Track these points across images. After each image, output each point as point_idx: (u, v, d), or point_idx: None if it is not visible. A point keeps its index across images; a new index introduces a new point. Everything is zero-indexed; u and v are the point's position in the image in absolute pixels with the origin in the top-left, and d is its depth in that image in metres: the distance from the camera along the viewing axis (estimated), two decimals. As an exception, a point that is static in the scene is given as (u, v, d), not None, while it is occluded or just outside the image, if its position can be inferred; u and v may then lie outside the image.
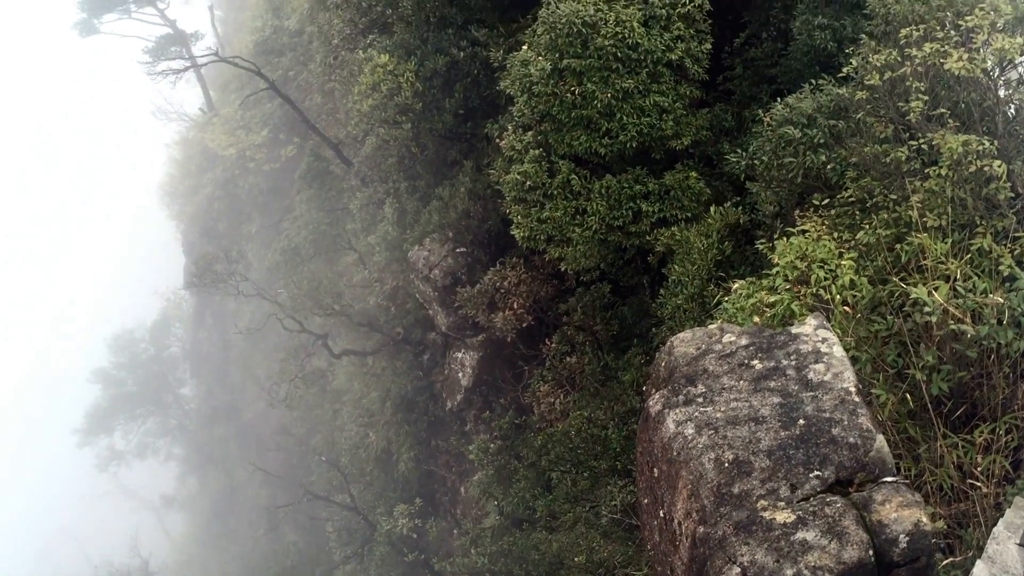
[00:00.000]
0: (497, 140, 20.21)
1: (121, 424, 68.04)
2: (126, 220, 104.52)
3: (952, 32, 8.88)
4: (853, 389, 5.60)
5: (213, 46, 44.59)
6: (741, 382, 5.90)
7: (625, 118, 16.16)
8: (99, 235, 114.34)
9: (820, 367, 5.80)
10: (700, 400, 5.87)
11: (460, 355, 24.79)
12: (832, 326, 8.40)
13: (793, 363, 5.93)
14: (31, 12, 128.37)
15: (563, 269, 18.60)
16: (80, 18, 41.25)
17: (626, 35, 15.84)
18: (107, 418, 67.61)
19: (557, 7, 16.01)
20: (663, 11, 16.39)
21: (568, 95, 16.31)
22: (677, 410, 5.87)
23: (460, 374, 24.74)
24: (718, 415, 5.72)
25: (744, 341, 6.23)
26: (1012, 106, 8.85)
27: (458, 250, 23.92)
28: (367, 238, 29.54)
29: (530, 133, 17.92)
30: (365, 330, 28.91)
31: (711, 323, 10.81)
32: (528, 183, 17.41)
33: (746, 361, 6.05)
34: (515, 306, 20.84)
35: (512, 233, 18.30)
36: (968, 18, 8.75)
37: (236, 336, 41.56)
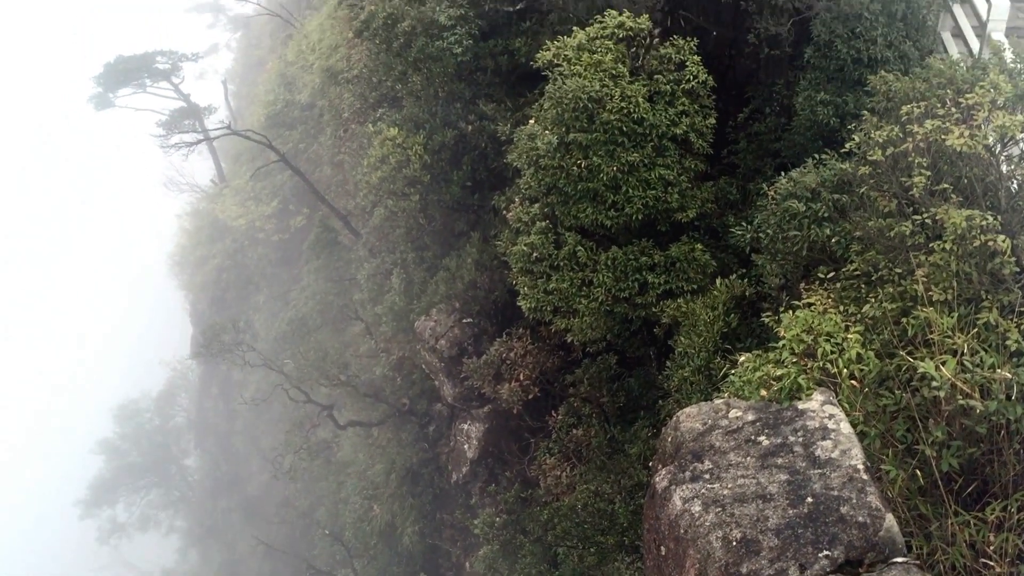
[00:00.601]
0: (504, 212, 20.38)
1: (124, 496, 67.38)
2: (135, 290, 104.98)
3: (953, 109, 9.00)
4: (861, 467, 5.53)
5: (226, 119, 45.30)
6: (748, 459, 5.83)
7: (631, 191, 16.32)
8: (107, 304, 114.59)
9: (828, 444, 5.74)
10: (707, 477, 5.80)
11: (466, 426, 24.62)
12: (840, 400, 8.34)
13: (800, 440, 5.87)
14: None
15: (569, 340, 18.58)
16: (95, 92, 42.04)
17: (631, 110, 16.08)
18: (110, 489, 67.00)
19: (564, 83, 16.27)
20: (668, 87, 16.66)
21: (574, 168, 16.49)
22: (684, 487, 5.80)
23: (466, 446, 24.54)
24: (725, 492, 5.64)
25: (751, 417, 6.18)
26: (1015, 181, 8.92)
27: (465, 320, 23.93)
28: (374, 308, 29.61)
29: (537, 205, 18.08)
30: (371, 401, 28.78)
31: (718, 396, 10.75)
32: (535, 254, 17.51)
33: (753, 437, 5.99)
34: (521, 377, 20.77)
35: (519, 304, 18.34)
36: (968, 96, 8.87)
37: (241, 407, 41.41)
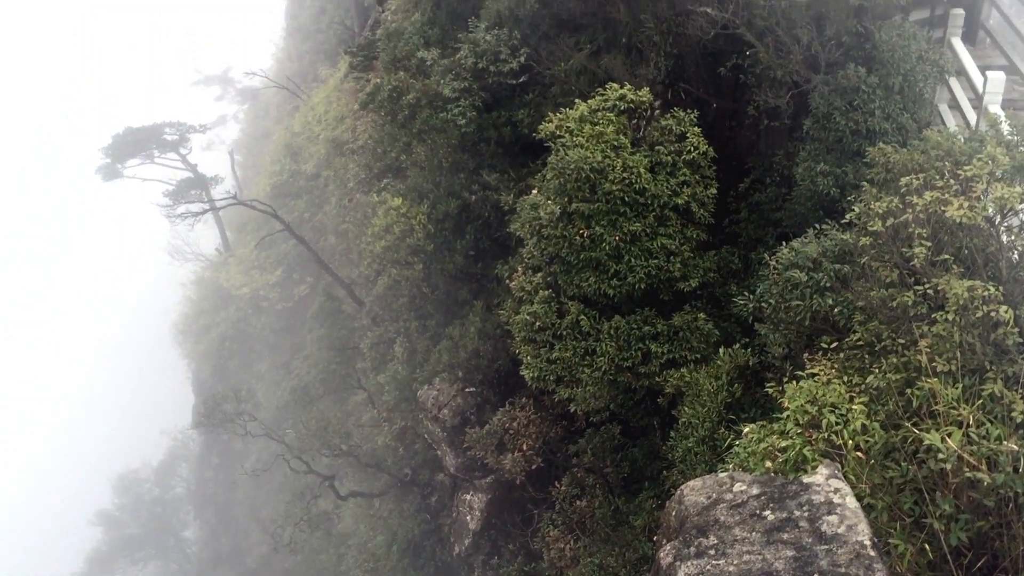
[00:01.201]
0: (507, 281, 20.45)
1: (121, 568, 66.32)
2: (139, 360, 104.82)
3: (951, 181, 9.07)
4: (868, 542, 5.44)
5: (232, 189, 45.80)
6: (753, 533, 5.75)
7: (633, 260, 16.39)
8: (108, 376, 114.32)
9: (834, 519, 5.66)
10: (712, 552, 5.71)
11: (468, 497, 24.33)
12: (845, 473, 8.25)
13: (806, 514, 5.79)
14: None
15: (572, 410, 18.46)
16: (103, 163, 42.63)
17: (633, 180, 16.23)
18: (107, 562, 65.98)
19: (566, 153, 16.46)
20: (669, 158, 16.85)
21: (577, 237, 16.58)
22: (688, 563, 5.71)
23: (468, 517, 24.21)
24: (731, 569, 5.55)
25: (755, 490, 6.11)
26: (1015, 252, 8.95)
27: (467, 390, 23.83)
28: (377, 377, 29.51)
29: (540, 274, 18.15)
30: (372, 471, 28.50)
31: (722, 468, 10.63)
32: (538, 324, 17.50)
33: (758, 512, 5.91)
34: (524, 447, 20.59)
35: (521, 373, 18.27)
36: (966, 168, 8.96)
37: (242, 477, 41.01)
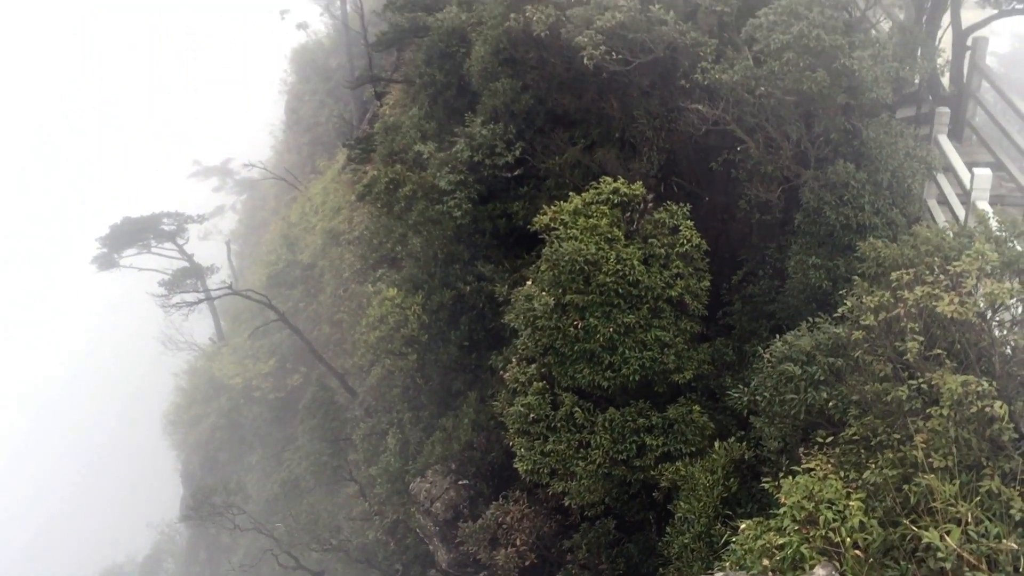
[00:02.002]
0: (501, 372, 20.38)
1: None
2: (126, 450, 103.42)
3: (942, 276, 9.15)
4: (868, 646, 5.34)
5: (228, 279, 45.96)
6: (751, 636, 5.63)
7: (627, 352, 16.37)
8: (96, 469, 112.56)
9: (832, 620, 5.55)
10: (708, 655, 5.59)
11: (461, 594, 23.76)
12: (844, 572, 8.10)
13: (804, 616, 5.68)
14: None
15: (567, 503, 18.19)
16: (100, 253, 42.89)
17: (627, 272, 16.34)
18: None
19: (560, 246, 16.60)
20: (662, 250, 17.00)
21: (571, 329, 16.61)
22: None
23: (460, 615, 23.60)
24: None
25: (752, 590, 6.01)
26: (1008, 347, 8.97)
27: (460, 482, 23.49)
28: (368, 470, 29.14)
29: (534, 366, 18.10)
30: (363, 567, 27.89)
31: (719, 566, 10.43)
32: (531, 415, 17.39)
33: (755, 613, 5.80)
34: (518, 543, 20.20)
35: (515, 466, 18.05)
36: (956, 263, 9.05)
37: (229, 573, 40.08)
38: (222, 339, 52.98)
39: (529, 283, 18.05)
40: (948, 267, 9.24)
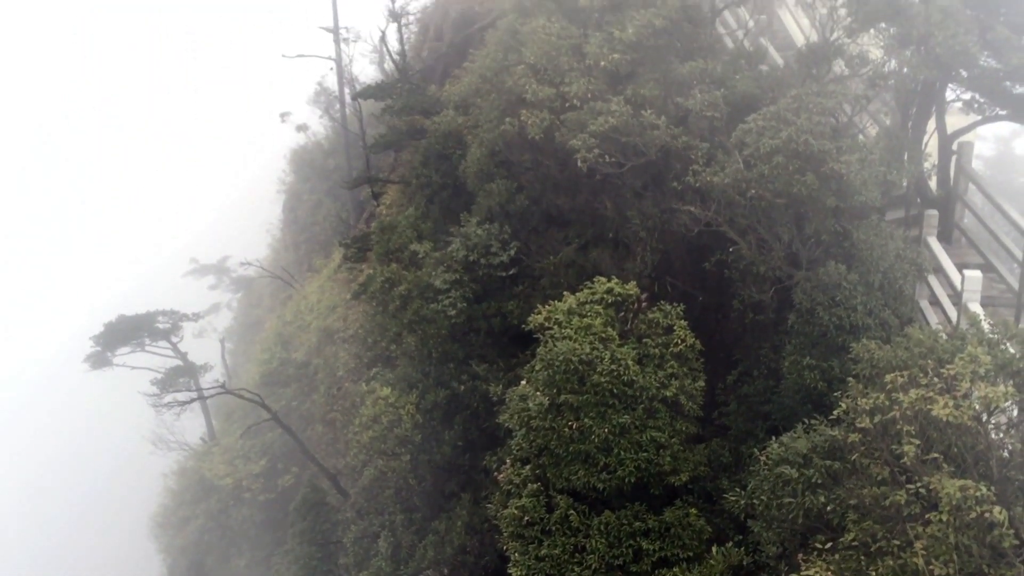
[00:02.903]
0: (495, 473, 20.10)
1: None
2: (113, 555, 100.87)
3: (935, 379, 9.14)
4: None
5: (221, 377, 45.68)
6: None
7: (623, 453, 16.19)
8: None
9: None
10: None
11: None
12: None
13: None
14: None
15: (562, 611, 17.70)
16: (93, 351, 42.73)
17: (621, 372, 16.28)
18: None
19: (555, 345, 16.59)
20: (657, 351, 16.99)
21: (566, 430, 16.46)
22: None
23: None
24: None
25: None
26: (1005, 450, 8.89)
27: (454, 588, 22.93)
28: (359, 574, 28.43)
29: (528, 467, 17.86)
30: (352, 676, 26.97)
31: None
32: (526, 518, 17.07)
33: None
34: (512, 651, 19.59)
35: (509, 571, 17.63)
36: (950, 366, 9.05)
37: None
38: (213, 438, 52.32)
39: (523, 383, 17.96)
40: (942, 370, 9.24)
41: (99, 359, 43.40)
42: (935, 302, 16.24)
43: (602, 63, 20.01)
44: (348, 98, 46.30)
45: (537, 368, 17.06)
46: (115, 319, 44.92)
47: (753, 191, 15.59)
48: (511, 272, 22.60)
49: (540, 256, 22.08)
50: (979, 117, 18.18)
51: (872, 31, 17.91)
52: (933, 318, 16.01)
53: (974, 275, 14.31)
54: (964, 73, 17.49)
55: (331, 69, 47.86)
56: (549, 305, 17.78)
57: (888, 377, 9.51)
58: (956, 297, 14.87)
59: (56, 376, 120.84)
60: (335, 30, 44.96)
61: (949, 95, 18.71)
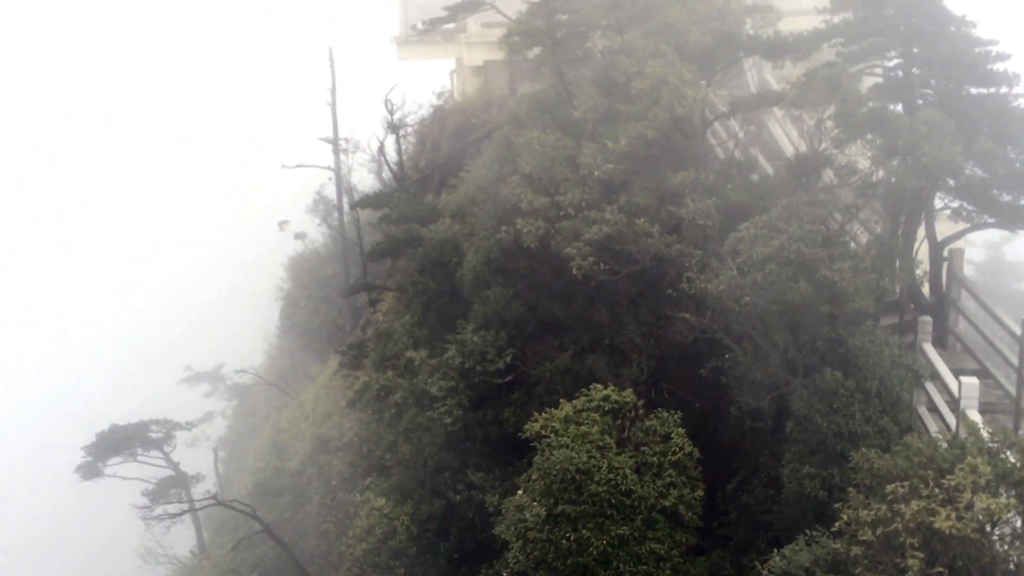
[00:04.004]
0: (492, 587, 19.61)
1: None
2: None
3: (937, 490, 9.02)
4: None
5: (213, 487, 44.87)
6: None
7: (622, 566, 15.84)
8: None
9: None
10: None
11: None
12: None
13: None
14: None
15: None
16: (84, 462, 42.10)
17: (619, 482, 16.07)
18: None
19: (551, 454, 16.41)
20: (655, 459, 16.80)
21: (563, 542, 16.13)
22: None
23: None
24: None
25: None
26: (1011, 563, 8.71)
27: None
28: None
29: (525, 581, 17.44)
30: None
31: None
32: (523, 636, 16.59)
33: None
34: None
35: None
36: (950, 477, 8.94)
37: None
38: (203, 551, 51.08)
39: (520, 492, 17.68)
40: (943, 480, 9.13)
41: (90, 470, 42.74)
42: (933, 409, 16.15)
43: (596, 173, 20.38)
44: (346, 206, 46.96)
45: (534, 477, 16.84)
46: (108, 428, 44.41)
47: (747, 298, 15.69)
48: (507, 379, 22.49)
49: (536, 363, 22.03)
50: (968, 225, 18.45)
51: (859, 142, 18.34)
52: (932, 425, 15.90)
53: (971, 382, 14.27)
54: (951, 182, 17.84)
55: (330, 179, 48.69)
56: (546, 413, 17.67)
57: (889, 488, 9.38)
58: (954, 404, 14.79)
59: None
60: (335, 141, 45.90)
61: (938, 203, 19.05)
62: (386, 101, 38.74)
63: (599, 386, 17.94)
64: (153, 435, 45.34)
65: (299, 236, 58.67)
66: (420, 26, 38.02)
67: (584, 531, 15.92)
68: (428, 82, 49.44)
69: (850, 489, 11.03)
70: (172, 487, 42.38)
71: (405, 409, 22.97)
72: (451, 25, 37.71)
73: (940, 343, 18.65)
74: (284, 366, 60.76)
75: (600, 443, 16.61)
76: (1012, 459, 9.90)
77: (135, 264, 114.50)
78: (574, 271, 18.70)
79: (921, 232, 19.25)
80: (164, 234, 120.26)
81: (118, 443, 43.27)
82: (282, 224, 54.02)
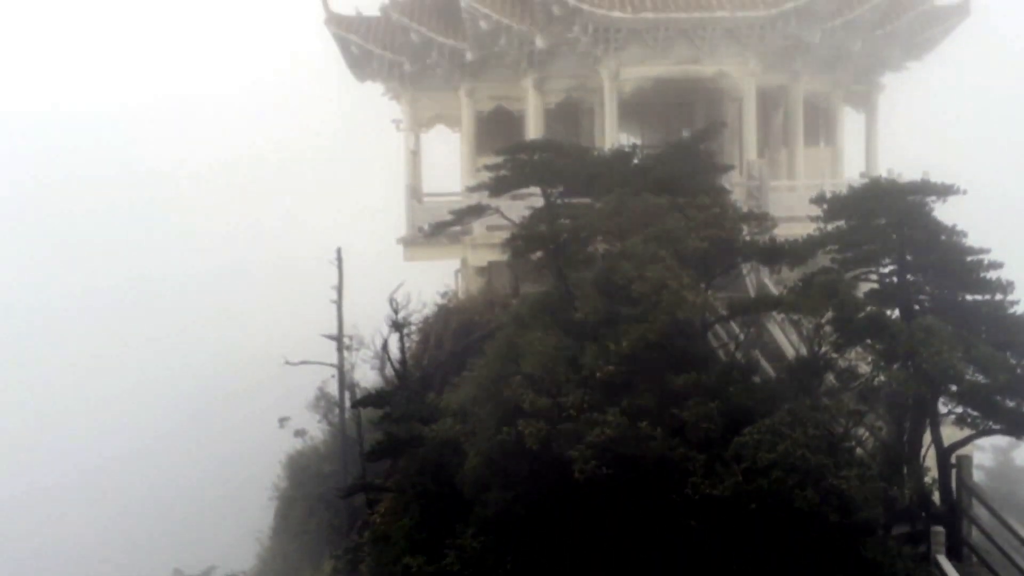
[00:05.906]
0: None
1: None
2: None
3: None
4: None
5: None
6: None
7: None
8: None
9: None
10: None
11: None
12: None
13: None
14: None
15: None
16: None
17: None
18: None
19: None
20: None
21: None
22: None
23: None
24: None
25: None
26: None
27: None
28: None
29: None
30: None
31: None
32: None
33: None
34: None
35: None
36: None
37: None
38: None
39: None
40: None
41: None
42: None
43: (598, 374, 20.43)
44: (348, 403, 46.79)
45: None
46: None
47: (753, 505, 15.34)
48: (507, 587, 21.65)
49: (537, 572, 21.26)
50: (972, 431, 18.29)
51: (859, 347, 18.48)
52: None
53: None
54: (953, 388, 17.81)
55: (332, 376, 48.78)
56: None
57: None
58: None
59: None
60: (339, 338, 46.33)
61: (942, 408, 18.92)
62: (391, 300, 39.32)
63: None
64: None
65: (299, 433, 58.12)
66: (426, 228, 39.13)
67: None
68: (433, 280, 50.51)
69: None
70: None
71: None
72: (457, 228, 38.78)
73: (955, 554, 18.04)
74: (277, 568, 58.80)
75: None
76: None
77: (124, 459, 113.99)
78: (576, 474, 18.41)
79: (927, 437, 19.04)
80: (159, 428, 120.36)
81: None
82: (283, 421, 53.62)
